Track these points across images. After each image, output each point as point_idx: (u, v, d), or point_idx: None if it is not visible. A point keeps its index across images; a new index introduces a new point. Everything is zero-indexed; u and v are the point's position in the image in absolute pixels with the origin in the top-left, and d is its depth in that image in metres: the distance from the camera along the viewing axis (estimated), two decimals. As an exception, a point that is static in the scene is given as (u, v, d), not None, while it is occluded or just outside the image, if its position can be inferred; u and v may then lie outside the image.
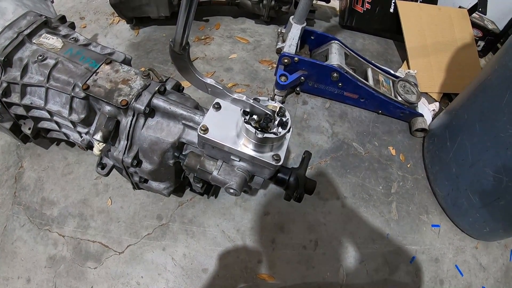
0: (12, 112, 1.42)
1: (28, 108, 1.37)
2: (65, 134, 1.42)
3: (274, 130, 1.00)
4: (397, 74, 1.95)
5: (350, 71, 1.66)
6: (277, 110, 1.03)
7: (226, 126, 1.05)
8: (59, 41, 1.37)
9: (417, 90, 1.91)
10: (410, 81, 1.94)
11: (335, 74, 1.62)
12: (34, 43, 1.38)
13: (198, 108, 1.24)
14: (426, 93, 2.14)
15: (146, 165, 1.20)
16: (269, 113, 0.99)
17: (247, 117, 1.02)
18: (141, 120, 1.15)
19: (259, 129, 0.98)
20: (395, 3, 2.10)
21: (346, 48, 1.74)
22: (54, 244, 1.48)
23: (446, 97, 2.21)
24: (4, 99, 1.37)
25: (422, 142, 1.92)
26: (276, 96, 1.71)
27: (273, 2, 1.93)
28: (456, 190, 1.62)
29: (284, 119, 1.02)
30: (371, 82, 1.75)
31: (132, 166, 1.17)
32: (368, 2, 2.07)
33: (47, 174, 1.64)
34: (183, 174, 1.33)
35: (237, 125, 1.04)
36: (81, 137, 1.33)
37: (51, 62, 1.29)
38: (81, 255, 1.46)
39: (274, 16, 2.08)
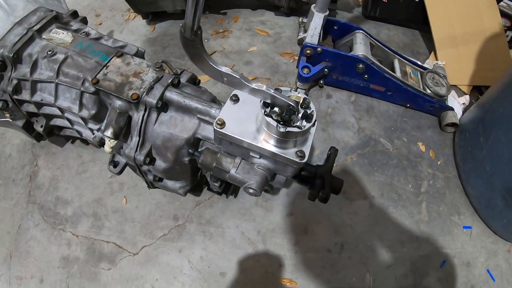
0: (24, 110, 1.38)
1: (39, 105, 1.33)
2: (77, 131, 1.37)
3: (298, 123, 0.91)
4: (424, 65, 1.83)
5: (377, 62, 1.55)
6: (301, 101, 0.92)
7: (245, 120, 0.96)
8: (69, 35, 1.32)
9: (447, 82, 1.79)
10: (439, 72, 1.82)
11: (360, 65, 1.52)
12: (44, 38, 1.34)
13: (215, 101, 1.16)
14: (455, 85, 2.01)
15: (160, 163, 1.13)
16: (292, 104, 0.89)
17: (268, 110, 0.92)
18: (154, 115, 1.08)
19: (281, 123, 0.89)
20: (420, -9, 1.99)
21: (371, 38, 1.63)
22: (67, 244, 1.44)
23: (476, 90, 2.07)
24: (15, 97, 1.33)
25: (453, 138, 1.79)
26: (298, 89, 1.62)
27: (293, -8, 1.83)
28: (490, 189, 1.50)
29: (308, 111, 0.91)
30: (398, 74, 1.64)
31: (145, 164, 1.10)
32: (392, -9, 1.96)
33: (61, 173, 1.60)
34: (200, 172, 1.26)
35: (257, 119, 0.94)
36: (93, 134, 1.27)
37: (60, 57, 1.24)
38: (94, 256, 1.41)
39: (294, 7, 1.98)
